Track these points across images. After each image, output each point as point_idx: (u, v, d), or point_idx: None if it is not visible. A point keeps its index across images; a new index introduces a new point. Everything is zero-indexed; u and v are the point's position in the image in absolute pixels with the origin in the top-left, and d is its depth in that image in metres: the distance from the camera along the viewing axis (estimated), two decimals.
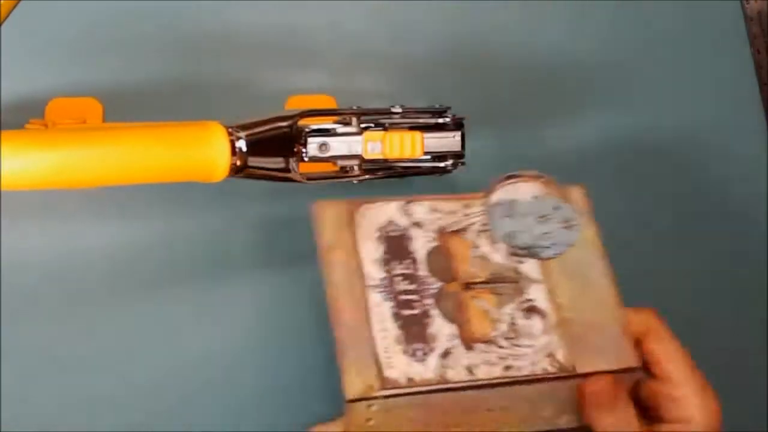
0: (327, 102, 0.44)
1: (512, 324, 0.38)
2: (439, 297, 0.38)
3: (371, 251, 0.37)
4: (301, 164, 0.37)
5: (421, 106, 0.43)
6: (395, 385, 0.35)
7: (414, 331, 0.36)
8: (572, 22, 0.51)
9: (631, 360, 0.39)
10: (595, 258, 0.40)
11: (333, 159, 0.38)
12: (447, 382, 0.36)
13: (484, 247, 0.39)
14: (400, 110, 0.39)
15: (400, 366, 0.36)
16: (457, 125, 0.40)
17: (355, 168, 0.38)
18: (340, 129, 0.38)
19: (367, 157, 0.38)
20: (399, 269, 0.37)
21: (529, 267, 0.39)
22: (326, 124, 0.38)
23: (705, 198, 0.52)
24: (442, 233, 0.39)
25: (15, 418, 0.39)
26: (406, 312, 0.37)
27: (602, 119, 0.51)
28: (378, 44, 0.47)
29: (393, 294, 0.37)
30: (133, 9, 0.44)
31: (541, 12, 0.51)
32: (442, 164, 0.40)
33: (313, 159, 0.37)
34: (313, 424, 0.37)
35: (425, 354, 0.36)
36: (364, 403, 0.35)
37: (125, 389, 0.41)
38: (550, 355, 0.38)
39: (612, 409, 0.38)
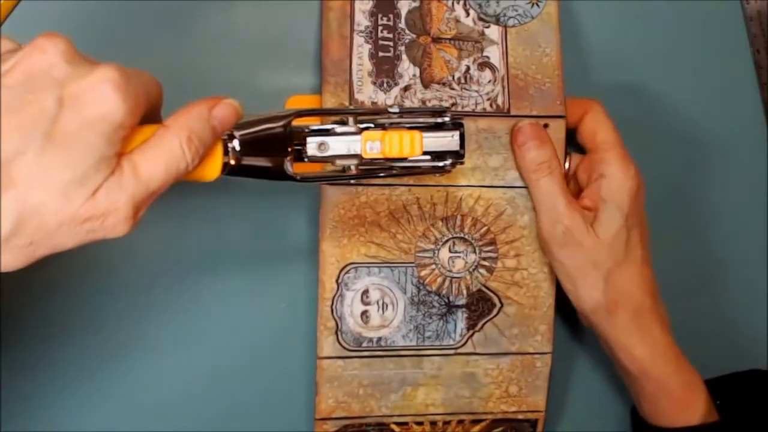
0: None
1: (466, 73, 0.46)
2: (410, 45, 0.46)
3: (363, 3, 0.45)
4: (295, 164, 0.38)
5: (420, 106, 0.45)
6: (361, 105, 0.44)
7: (384, 69, 0.45)
8: (570, 22, 0.51)
9: (558, 110, 0.46)
10: (550, 31, 0.47)
11: (332, 158, 0.39)
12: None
13: (459, 11, 0.46)
14: (397, 110, 0.40)
15: (367, 93, 0.45)
16: (456, 125, 0.40)
17: (352, 168, 0.39)
18: (339, 129, 0.38)
19: (366, 156, 0.38)
20: (383, 21, 0.45)
21: (492, 31, 0.47)
22: (325, 124, 0.38)
23: (704, 198, 0.53)
24: None
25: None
26: (381, 54, 0.45)
27: None
28: None
29: (373, 39, 0.45)
30: (133, 9, 0.45)
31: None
32: (441, 163, 0.40)
33: (313, 159, 0.38)
34: None
35: (390, 86, 0.45)
36: None
37: None
38: (491, 100, 0.46)
39: (537, 146, 0.45)
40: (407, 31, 0.46)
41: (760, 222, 0.54)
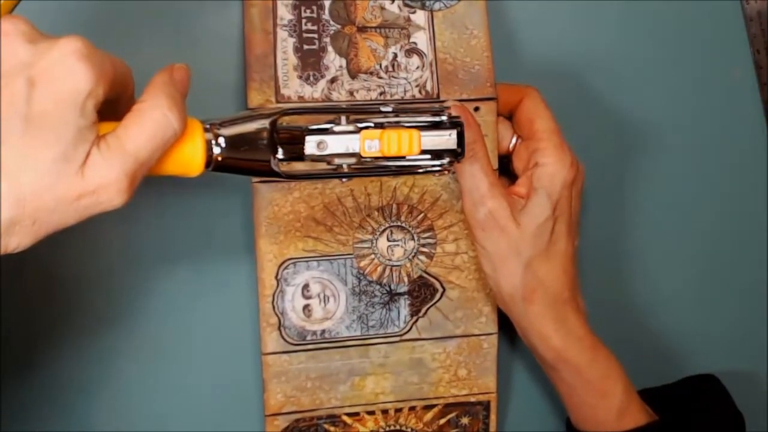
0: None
1: (394, 60, 0.46)
2: (335, 36, 0.45)
3: None
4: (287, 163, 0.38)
5: (417, 105, 0.45)
6: (288, 101, 0.44)
7: (310, 62, 0.45)
8: (571, 22, 0.51)
9: (488, 92, 0.46)
10: (478, 12, 0.47)
11: (330, 157, 0.39)
12: (330, 101, 0.45)
13: None
14: (389, 108, 0.40)
15: (293, 87, 0.44)
16: (454, 124, 0.40)
17: (345, 166, 0.39)
18: (337, 128, 0.39)
19: (365, 155, 0.39)
20: (306, 13, 0.45)
21: (418, 16, 0.46)
22: (320, 123, 0.39)
23: (705, 197, 0.53)
24: None
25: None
26: (306, 47, 0.45)
27: (600, 119, 0.51)
28: None
29: (297, 33, 0.45)
30: (131, 8, 0.45)
31: (543, 11, 0.51)
32: (438, 162, 0.40)
33: (311, 157, 0.38)
34: None
35: (316, 79, 0.45)
36: None
37: None
38: (420, 86, 0.46)
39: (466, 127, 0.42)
40: (332, 22, 0.46)
41: (760, 221, 0.54)
